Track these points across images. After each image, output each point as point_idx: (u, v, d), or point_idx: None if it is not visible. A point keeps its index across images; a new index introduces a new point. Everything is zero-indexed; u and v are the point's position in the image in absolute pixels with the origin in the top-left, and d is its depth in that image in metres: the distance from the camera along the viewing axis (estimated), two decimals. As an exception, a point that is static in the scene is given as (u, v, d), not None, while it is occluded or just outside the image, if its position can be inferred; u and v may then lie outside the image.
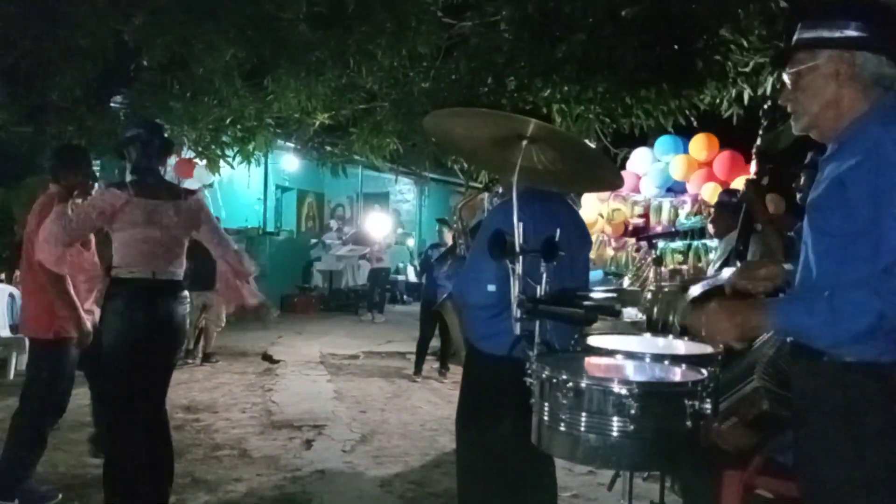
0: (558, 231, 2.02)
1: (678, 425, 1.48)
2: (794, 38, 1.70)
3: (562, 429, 1.58)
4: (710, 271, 4.20)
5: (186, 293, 3.42)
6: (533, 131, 1.65)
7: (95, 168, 13.80)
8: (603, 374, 1.62)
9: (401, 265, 16.16)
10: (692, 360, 1.75)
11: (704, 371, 1.60)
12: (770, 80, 5.67)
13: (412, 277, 16.13)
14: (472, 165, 2.47)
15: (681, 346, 2.01)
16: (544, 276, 1.95)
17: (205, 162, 8.46)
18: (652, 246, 7.48)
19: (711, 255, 7.07)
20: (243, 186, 13.27)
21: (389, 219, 15.08)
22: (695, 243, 7.28)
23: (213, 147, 8.25)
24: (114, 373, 3.25)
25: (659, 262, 6.62)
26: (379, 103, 6.94)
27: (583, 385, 1.52)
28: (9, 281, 8.65)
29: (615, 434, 1.49)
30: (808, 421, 1.64)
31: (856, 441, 1.52)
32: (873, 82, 1.61)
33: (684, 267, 6.75)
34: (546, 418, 1.62)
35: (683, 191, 7.88)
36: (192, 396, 6.48)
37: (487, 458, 2.48)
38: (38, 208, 3.63)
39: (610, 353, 1.82)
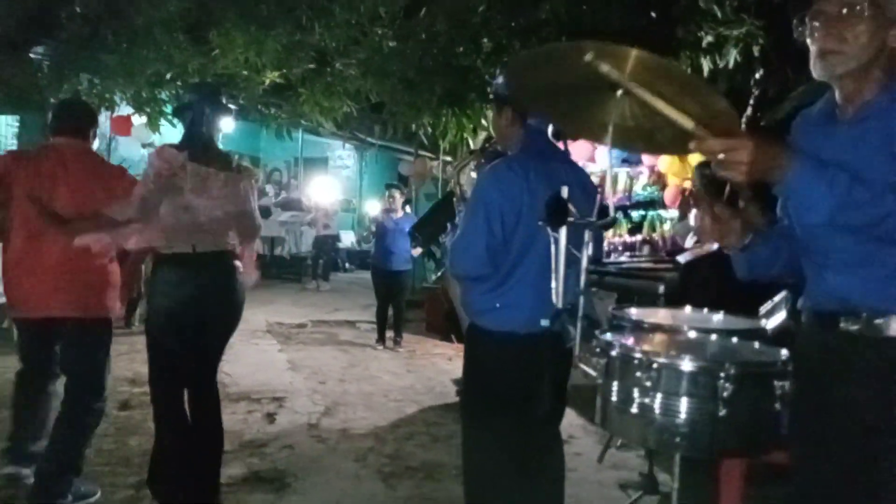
0: (565, 189, 1.88)
1: (769, 408, 1.40)
2: None
3: (633, 411, 1.47)
4: (689, 242, 4.19)
5: (235, 263, 3.18)
6: (632, 68, 1.43)
7: (14, 126, 12.75)
8: (682, 352, 1.50)
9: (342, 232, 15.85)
10: (756, 336, 1.67)
11: (784, 350, 1.51)
12: (734, 52, 5.69)
13: (353, 244, 15.86)
14: (556, 124, 2.27)
15: (729, 321, 1.93)
16: (589, 244, 1.82)
17: (144, 119, 7.92)
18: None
19: (667, 226, 7.15)
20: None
21: (336, 184, 14.67)
22: (650, 213, 7.33)
23: (152, 104, 7.73)
24: (156, 353, 3.09)
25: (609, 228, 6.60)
26: (344, 60, 6.60)
27: (667, 364, 1.41)
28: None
29: (701, 418, 1.39)
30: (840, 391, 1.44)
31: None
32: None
33: (655, 235, 6.78)
34: (614, 399, 1.51)
35: (639, 161, 7.91)
36: (135, 368, 6.08)
37: (495, 440, 2.35)
38: (84, 168, 3.31)
39: (673, 328, 1.71)
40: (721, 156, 1.40)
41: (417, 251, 7.41)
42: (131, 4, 7.30)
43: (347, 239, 15.90)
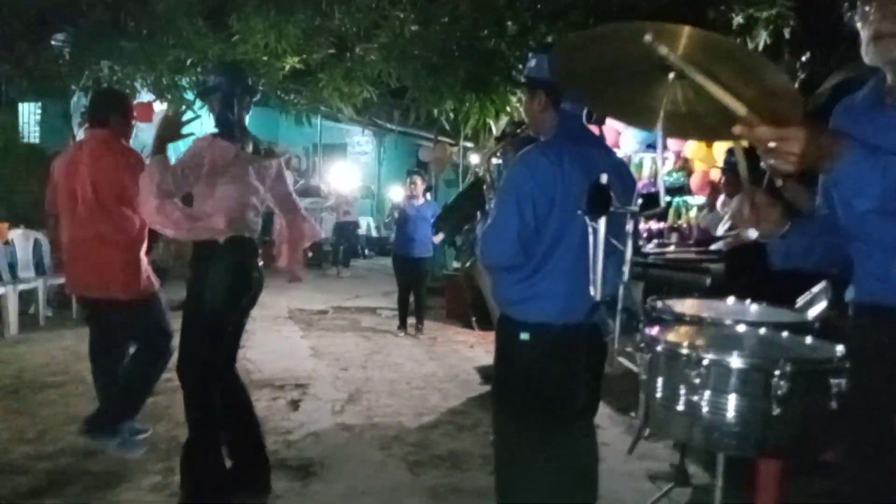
0: (605, 176, 1.81)
1: (824, 406, 1.34)
2: None
3: (679, 408, 1.42)
4: (720, 230, 4.09)
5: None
6: (686, 47, 1.36)
7: (37, 113, 12.85)
8: (730, 347, 1.45)
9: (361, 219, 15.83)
10: (806, 329, 1.60)
11: (839, 346, 1.45)
12: (764, 34, 5.55)
13: (372, 231, 15.84)
14: (605, 114, 2.19)
15: (774, 313, 1.86)
16: (630, 235, 1.76)
17: (165, 106, 7.92)
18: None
19: (693, 213, 7.04)
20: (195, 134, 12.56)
21: (355, 171, 14.61)
22: (676, 200, 7.21)
23: (173, 90, 7.74)
24: (203, 335, 3.05)
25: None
26: (364, 45, 6.53)
27: (717, 361, 1.35)
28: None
29: (753, 417, 1.33)
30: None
31: None
32: None
33: (682, 222, 6.67)
34: (659, 395, 1.45)
35: (665, 147, 7.80)
36: (159, 355, 6.13)
37: (529, 434, 2.30)
38: (95, 156, 3.56)
39: (719, 322, 1.65)
40: (771, 144, 1.34)
41: (439, 238, 7.36)
42: (152, -11, 7.30)
43: (366, 225, 15.89)
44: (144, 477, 3.50)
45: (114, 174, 3.54)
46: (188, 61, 7.68)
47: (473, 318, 7.64)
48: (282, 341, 7.02)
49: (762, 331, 1.60)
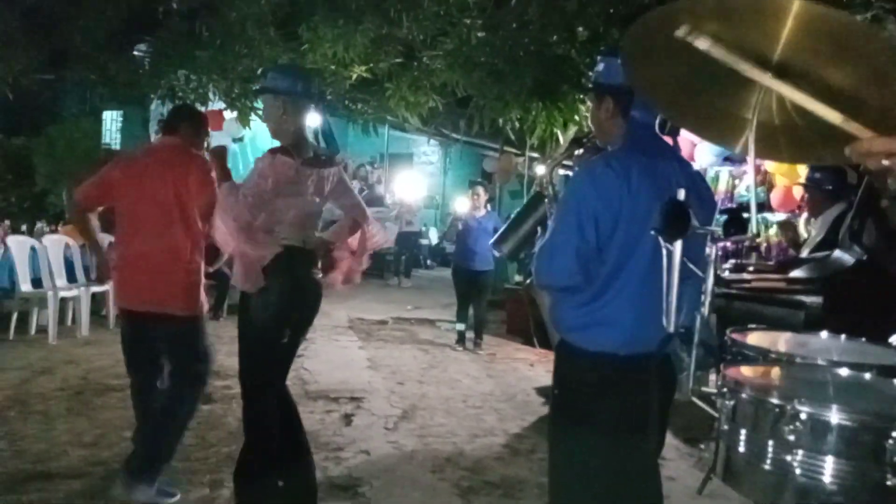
0: (682, 192, 1.59)
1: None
2: None
3: (766, 467, 1.19)
4: (805, 252, 3.76)
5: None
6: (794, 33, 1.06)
7: (119, 120, 13.44)
8: (830, 398, 1.22)
9: (423, 228, 15.75)
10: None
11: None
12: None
13: (434, 241, 15.77)
14: (681, 125, 1.94)
15: (877, 353, 1.60)
16: (713, 258, 1.54)
17: (235, 114, 8.05)
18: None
19: (772, 231, 6.62)
20: (266, 143, 12.82)
21: (421, 180, 14.57)
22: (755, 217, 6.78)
23: (243, 99, 7.84)
24: (260, 349, 3.01)
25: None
26: (431, 52, 6.42)
27: (817, 416, 1.13)
28: (30, 233, 8.40)
29: (862, 486, 1.10)
30: None
31: None
32: None
33: (761, 240, 6.28)
34: (742, 450, 1.23)
35: (743, 160, 7.37)
36: (218, 360, 6.10)
37: (588, 471, 2.09)
38: (166, 164, 3.39)
39: (815, 364, 1.42)
40: (885, 161, 1.04)
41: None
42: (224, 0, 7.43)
43: (431, 235, 15.83)
44: (192, 489, 3.44)
45: (183, 182, 3.38)
46: (259, 70, 7.77)
47: (535, 336, 7.41)
48: (340, 351, 6.97)
49: (867, 376, 1.36)
